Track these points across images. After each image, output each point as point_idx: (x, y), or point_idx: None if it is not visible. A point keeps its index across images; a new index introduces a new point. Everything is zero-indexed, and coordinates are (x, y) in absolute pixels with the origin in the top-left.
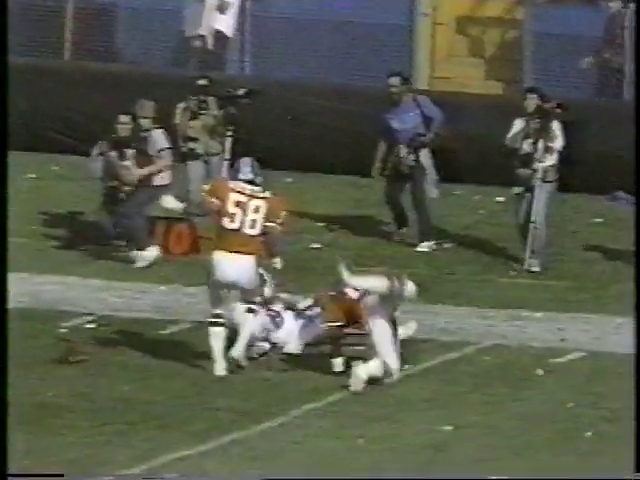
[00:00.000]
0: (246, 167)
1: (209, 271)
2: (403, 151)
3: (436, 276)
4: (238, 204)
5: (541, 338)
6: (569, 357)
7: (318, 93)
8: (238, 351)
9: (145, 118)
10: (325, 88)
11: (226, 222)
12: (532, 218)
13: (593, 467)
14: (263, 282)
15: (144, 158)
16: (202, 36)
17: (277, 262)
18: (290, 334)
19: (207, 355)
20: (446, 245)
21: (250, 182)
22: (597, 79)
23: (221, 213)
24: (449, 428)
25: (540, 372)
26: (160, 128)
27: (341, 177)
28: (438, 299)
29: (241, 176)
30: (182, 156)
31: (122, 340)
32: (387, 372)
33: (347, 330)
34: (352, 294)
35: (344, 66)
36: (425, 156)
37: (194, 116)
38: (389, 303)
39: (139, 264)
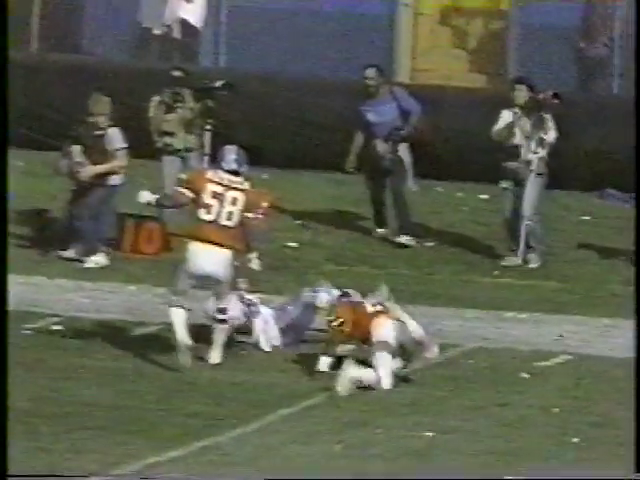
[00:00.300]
0: (231, 156)
1: (184, 260)
2: (381, 146)
3: (417, 276)
4: (215, 195)
5: (526, 340)
6: (555, 360)
7: (296, 87)
8: (215, 360)
9: (100, 115)
10: (303, 81)
11: (202, 213)
12: (524, 212)
13: (581, 474)
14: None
15: (99, 156)
16: (167, 26)
17: (253, 256)
18: (267, 322)
19: (177, 359)
20: (428, 244)
21: (233, 172)
22: (575, 71)
23: (197, 204)
24: (430, 434)
25: (525, 376)
26: (115, 126)
27: (319, 173)
28: (419, 300)
29: (224, 166)
30: (157, 152)
31: (89, 342)
32: (376, 385)
33: (349, 334)
34: (368, 307)
35: (323, 58)
36: (404, 150)
37: (169, 109)
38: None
39: (88, 265)
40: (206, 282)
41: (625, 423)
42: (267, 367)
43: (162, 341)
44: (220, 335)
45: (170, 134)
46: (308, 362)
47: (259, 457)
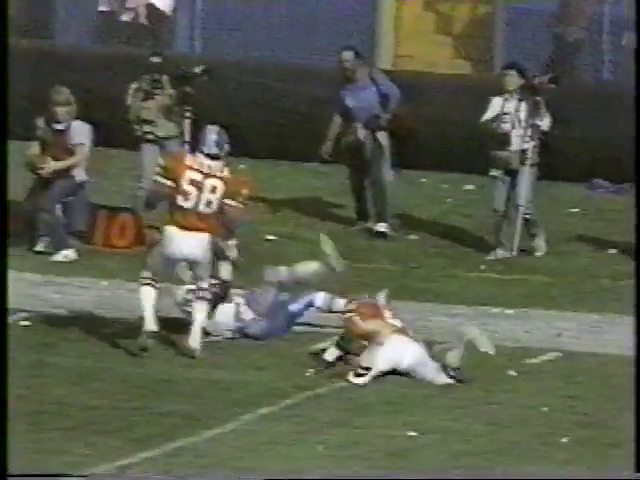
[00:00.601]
0: (211, 137)
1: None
2: (361, 132)
3: (400, 270)
4: (193, 183)
5: (514, 337)
6: (544, 357)
7: (274, 74)
8: (196, 342)
9: (60, 106)
10: (282, 68)
11: (180, 200)
12: (520, 201)
13: (570, 475)
14: (225, 257)
15: (60, 150)
16: (132, 9)
17: (232, 244)
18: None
19: (151, 356)
20: (411, 237)
21: (213, 156)
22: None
23: (176, 191)
24: (414, 434)
25: (513, 373)
26: (78, 118)
27: (299, 164)
28: (402, 295)
29: (205, 149)
30: (136, 140)
31: (59, 339)
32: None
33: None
34: (385, 311)
35: (302, 45)
36: (382, 138)
37: (148, 96)
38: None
39: (56, 258)
40: (181, 265)
41: (617, 423)
42: (245, 364)
43: (135, 338)
44: (199, 314)
45: (149, 122)
46: (288, 360)
47: (237, 458)
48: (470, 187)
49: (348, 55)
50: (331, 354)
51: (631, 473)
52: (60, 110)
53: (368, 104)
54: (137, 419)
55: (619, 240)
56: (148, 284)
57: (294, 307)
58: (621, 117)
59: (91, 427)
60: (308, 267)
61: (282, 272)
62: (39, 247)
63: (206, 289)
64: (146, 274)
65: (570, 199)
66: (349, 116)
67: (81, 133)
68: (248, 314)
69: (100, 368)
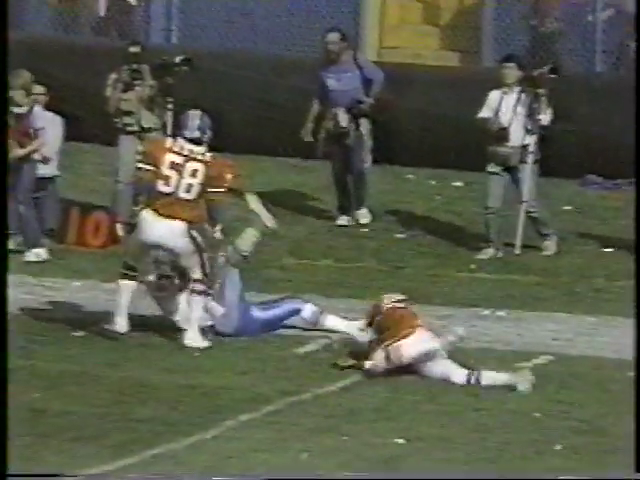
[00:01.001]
0: (194, 122)
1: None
2: (343, 117)
3: (385, 270)
4: (173, 166)
5: (505, 340)
6: (536, 361)
7: (254, 65)
8: (195, 341)
9: (20, 90)
10: (262, 60)
11: (160, 185)
12: (524, 197)
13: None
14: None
15: (22, 136)
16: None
17: (217, 231)
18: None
19: (126, 358)
20: (397, 235)
21: (195, 141)
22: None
23: (156, 175)
24: (401, 441)
25: None
26: (38, 104)
27: (280, 159)
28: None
29: (186, 133)
30: (115, 132)
31: (31, 343)
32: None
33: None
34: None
35: (283, 35)
36: (364, 125)
37: (127, 87)
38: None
39: (28, 258)
40: (156, 252)
41: (614, 429)
42: (227, 368)
43: (111, 341)
44: (196, 310)
45: (129, 113)
46: (272, 364)
47: (217, 466)
48: (459, 184)
49: (334, 37)
50: (346, 362)
51: (631, 473)
52: (18, 94)
53: (351, 87)
54: (114, 425)
55: (614, 238)
56: (125, 276)
57: (274, 311)
58: (616, 110)
59: (65, 433)
60: (246, 238)
61: (228, 251)
62: (10, 245)
63: (201, 283)
64: (123, 265)
65: (563, 196)
66: (330, 98)
67: (42, 117)
68: (218, 310)
69: (74, 372)
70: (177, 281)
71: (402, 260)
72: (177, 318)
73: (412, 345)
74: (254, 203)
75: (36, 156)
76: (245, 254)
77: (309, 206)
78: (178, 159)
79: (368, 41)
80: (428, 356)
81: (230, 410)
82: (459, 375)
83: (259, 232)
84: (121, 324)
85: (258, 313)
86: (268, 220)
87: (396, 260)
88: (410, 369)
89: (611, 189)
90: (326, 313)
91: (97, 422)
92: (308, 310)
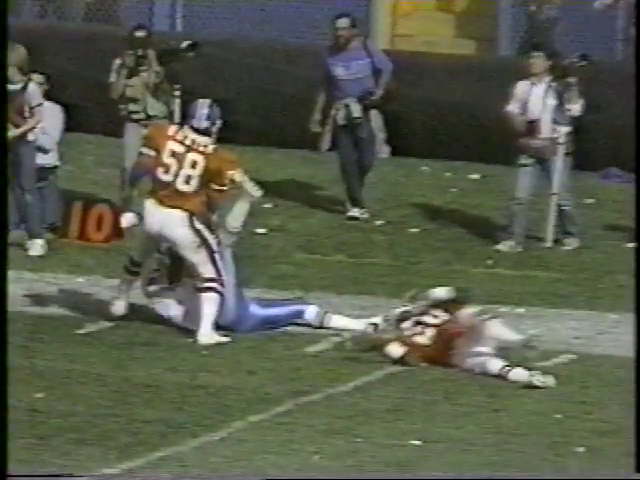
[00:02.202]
0: (203, 111)
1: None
2: (355, 107)
3: (399, 266)
4: (174, 154)
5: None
6: (556, 360)
7: (261, 54)
8: (207, 338)
9: (14, 65)
10: (270, 48)
11: (160, 173)
12: (554, 189)
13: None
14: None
15: (18, 115)
16: None
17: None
18: None
19: (132, 357)
20: (411, 230)
21: (202, 131)
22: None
23: (157, 162)
24: (417, 443)
25: None
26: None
27: (288, 151)
28: (401, 292)
29: (194, 122)
30: (120, 120)
31: (32, 341)
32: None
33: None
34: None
35: (291, 23)
36: (375, 117)
37: (132, 73)
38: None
39: (32, 252)
40: (160, 242)
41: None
42: (235, 368)
43: (115, 339)
44: (210, 307)
45: (134, 100)
46: (282, 363)
47: (225, 469)
48: (475, 176)
49: (344, 22)
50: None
51: (631, 472)
52: (12, 70)
53: (361, 76)
54: (118, 427)
55: (637, 233)
56: (129, 271)
57: (275, 310)
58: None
59: (67, 435)
60: (237, 213)
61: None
62: (11, 238)
63: (213, 279)
64: (128, 260)
65: (584, 189)
66: (338, 86)
67: (37, 94)
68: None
69: (76, 372)
70: (166, 279)
71: (416, 255)
72: (176, 319)
73: (499, 326)
74: (238, 176)
75: (31, 136)
76: (237, 230)
77: (320, 199)
78: (179, 148)
79: (380, 28)
80: (508, 343)
81: (239, 411)
82: (494, 363)
83: (248, 204)
84: (119, 307)
85: (257, 309)
86: (253, 190)
87: (410, 255)
88: (453, 360)
89: (632, 182)
90: (330, 314)
91: (101, 423)
92: (312, 312)
